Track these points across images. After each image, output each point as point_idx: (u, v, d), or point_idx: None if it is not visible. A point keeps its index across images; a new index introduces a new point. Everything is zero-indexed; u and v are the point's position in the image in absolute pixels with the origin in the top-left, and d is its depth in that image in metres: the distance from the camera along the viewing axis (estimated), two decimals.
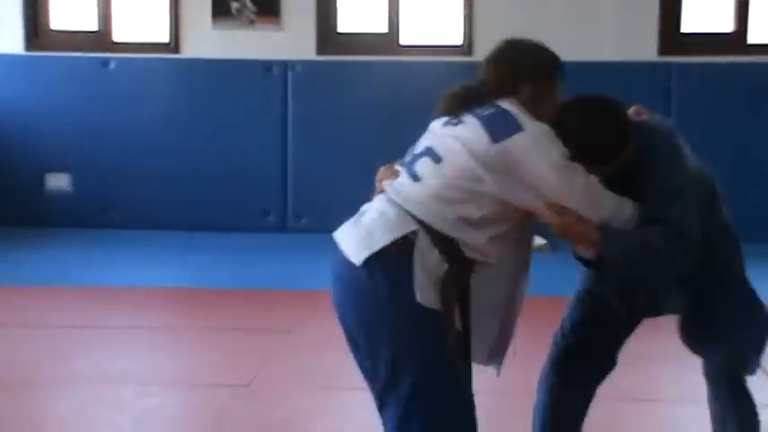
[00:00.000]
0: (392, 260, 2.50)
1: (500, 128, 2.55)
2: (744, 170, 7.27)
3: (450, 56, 7.51)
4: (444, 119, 2.69)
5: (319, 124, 7.63)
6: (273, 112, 7.64)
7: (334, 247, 2.65)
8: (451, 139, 2.60)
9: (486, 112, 2.60)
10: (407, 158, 2.71)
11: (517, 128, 2.55)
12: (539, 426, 3.14)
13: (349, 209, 2.75)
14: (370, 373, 2.60)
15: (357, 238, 2.58)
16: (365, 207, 2.70)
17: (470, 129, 2.58)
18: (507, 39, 2.79)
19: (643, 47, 7.50)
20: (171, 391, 4.46)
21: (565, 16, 7.47)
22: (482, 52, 2.83)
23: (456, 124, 2.63)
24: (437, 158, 2.60)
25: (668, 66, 7.51)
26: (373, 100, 7.61)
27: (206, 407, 4.33)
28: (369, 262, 2.52)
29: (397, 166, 2.71)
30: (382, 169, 2.78)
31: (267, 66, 7.61)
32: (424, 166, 2.62)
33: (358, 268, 2.53)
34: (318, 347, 4.94)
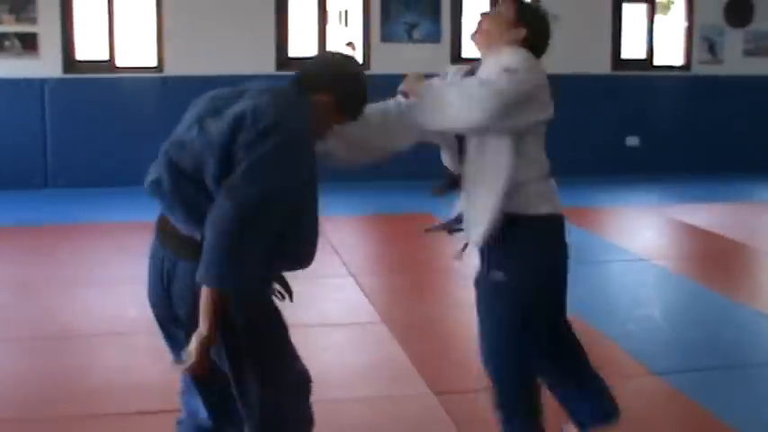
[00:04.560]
0: None
1: None
2: None
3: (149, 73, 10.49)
4: None
5: (66, 117, 10.45)
6: (35, 111, 10.37)
7: None
8: None
9: None
10: None
11: None
12: None
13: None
14: None
15: None
16: None
17: None
18: None
19: None
20: None
21: None
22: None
23: None
24: None
25: None
26: (99, 101, 10.48)
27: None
28: None
29: None
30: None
31: (30, 82, 10.35)
32: None
33: None
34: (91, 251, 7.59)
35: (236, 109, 2.68)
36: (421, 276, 6.86)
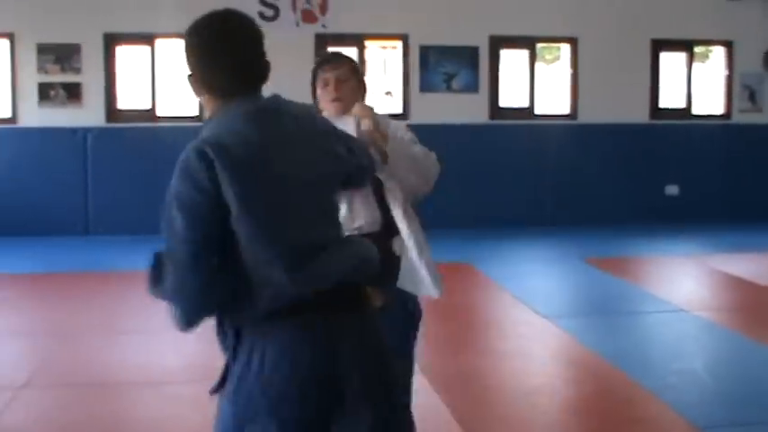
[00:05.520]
0: None
1: None
2: None
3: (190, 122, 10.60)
4: None
5: (107, 167, 10.71)
6: (78, 159, 10.56)
7: None
8: None
9: None
10: None
11: None
12: None
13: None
14: None
15: None
16: None
17: None
18: None
19: None
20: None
21: None
22: None
23: None
24: None
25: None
26: (141, 150, 10.68)
27: None
28: None
29: None
30: None
31: (74, 131, 10.60)
32: None
33: None
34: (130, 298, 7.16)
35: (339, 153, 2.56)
36: (461, 327, 6.83)
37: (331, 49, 9.44)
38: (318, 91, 3.48)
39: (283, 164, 2.37)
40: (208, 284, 2.32)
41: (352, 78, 3.49)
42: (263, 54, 2.46)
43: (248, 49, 2.43)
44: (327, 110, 3.44)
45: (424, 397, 5.08)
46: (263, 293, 2.33)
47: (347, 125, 3.06)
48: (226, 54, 2.40)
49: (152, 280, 2.39)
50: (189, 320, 2.37)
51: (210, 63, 2.41)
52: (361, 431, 2.42)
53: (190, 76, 2.46)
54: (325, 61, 3.54)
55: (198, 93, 2.48)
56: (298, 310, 2.36)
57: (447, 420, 4.73)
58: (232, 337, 2.42)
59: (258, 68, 2.45)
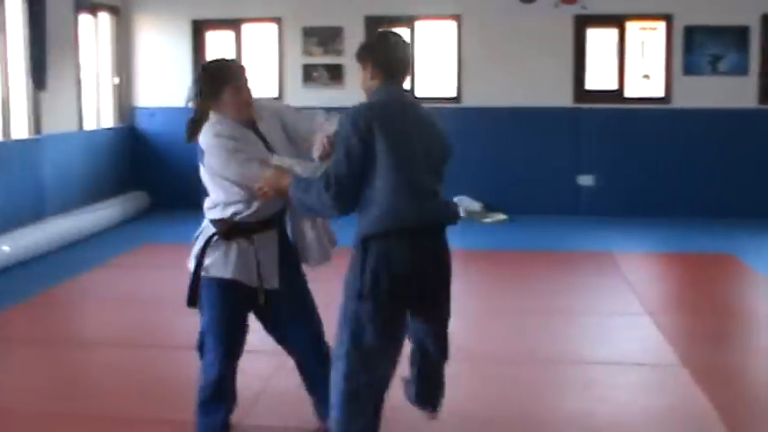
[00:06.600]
0: None
1: None
2: None
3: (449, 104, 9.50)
4: None
5: None
6: None
7: None
8: None
9: None
10: None
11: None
12: None
13: None
14: None
15: None
16: None
17: None
18: None
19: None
20: None
21: None
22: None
23: None
24: None
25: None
26: None
27: None
28: None
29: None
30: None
31: (336, 111, 10.25)
32: None
33: None
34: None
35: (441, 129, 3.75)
36: (722, 320, 6.49)
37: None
38: (228, 98, 3.83)
39: (412, 134, 3.59)
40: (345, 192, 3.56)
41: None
42: (409, 60, 3.85)
43: (401, 56, 3.76)
44: (238, 114, 3.85)
45: (685, 390, 4.88)
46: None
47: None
48: (389, 55, 3.74)
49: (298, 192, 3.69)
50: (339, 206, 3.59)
51: (382, 58, 3.73)
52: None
53: (368, 63, 3.76)
54: (234, 70, 3.91)
55: (372, 75, 3.77)
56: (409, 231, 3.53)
57: (709, 415, 4.51)
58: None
59: (404, 69, 3.78)
